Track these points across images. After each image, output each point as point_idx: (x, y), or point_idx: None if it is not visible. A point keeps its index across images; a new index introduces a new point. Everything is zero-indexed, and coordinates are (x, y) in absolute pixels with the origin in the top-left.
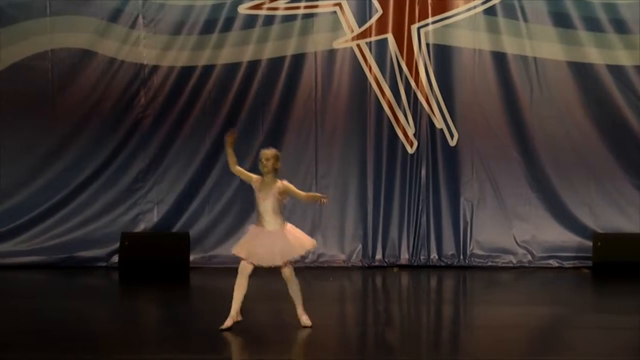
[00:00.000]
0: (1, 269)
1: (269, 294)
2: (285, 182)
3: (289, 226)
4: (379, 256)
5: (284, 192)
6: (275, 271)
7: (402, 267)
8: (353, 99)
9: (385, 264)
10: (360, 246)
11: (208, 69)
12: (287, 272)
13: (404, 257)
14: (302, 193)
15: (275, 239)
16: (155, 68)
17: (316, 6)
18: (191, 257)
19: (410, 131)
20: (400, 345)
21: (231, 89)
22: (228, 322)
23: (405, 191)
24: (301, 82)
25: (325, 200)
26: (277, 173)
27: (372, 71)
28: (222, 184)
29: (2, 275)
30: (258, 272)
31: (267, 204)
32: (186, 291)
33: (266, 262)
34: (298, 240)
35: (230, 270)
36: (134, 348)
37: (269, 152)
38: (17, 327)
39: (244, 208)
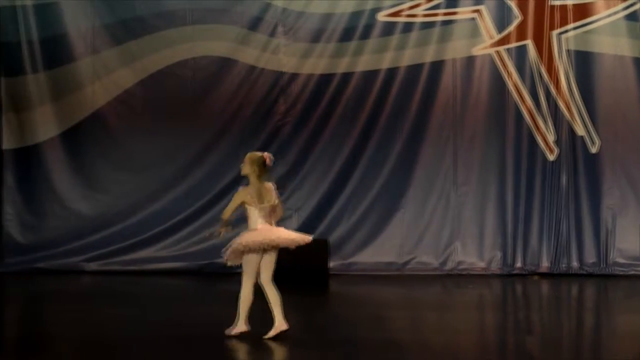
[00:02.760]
0: (143, 275)
1: (407, 302)
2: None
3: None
4: (518, 264)
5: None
6: (412, 280)
7: (543, 275)
8: (492, 106)
9: (525, 272)
10: (499, 254)
11: (346, 76)
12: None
13: (545, 265)
14: (232, 208)
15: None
16: (294, 75)
17: (455, 13)
18: (330, 264)
19: (551, 138)
20: (541, 353)
21: (369, 96)
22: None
23: (546, 198)
24: (440, 89)
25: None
26: (260, 177)
27: (512, 78)
28: (360, 190)
29: (144, 280)
30: (397, 281)
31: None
32: (325, 298)
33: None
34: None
35: (369, 277)
36: (272, 354)
37: (246, 157)
38: (157, 333)
39: (383, 215)
